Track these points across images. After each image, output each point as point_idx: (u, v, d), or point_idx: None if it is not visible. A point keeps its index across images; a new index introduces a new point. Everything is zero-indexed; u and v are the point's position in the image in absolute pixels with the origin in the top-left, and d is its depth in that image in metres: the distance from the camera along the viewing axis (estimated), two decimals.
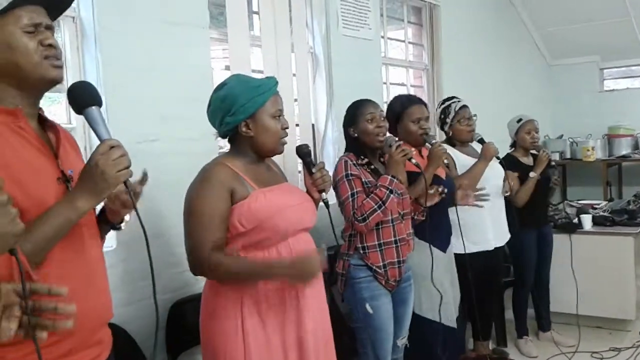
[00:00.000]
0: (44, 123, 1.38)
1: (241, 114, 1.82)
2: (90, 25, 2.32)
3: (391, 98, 3.33)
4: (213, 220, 1.77)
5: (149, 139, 2.34)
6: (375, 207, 2.36)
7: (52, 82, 1.34)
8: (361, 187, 2.41)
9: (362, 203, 2.37)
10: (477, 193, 3.07)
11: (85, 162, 1.29)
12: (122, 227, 1.49)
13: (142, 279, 2.33)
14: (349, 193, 2.39)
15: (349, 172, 2.41)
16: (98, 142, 1.27)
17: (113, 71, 2.33)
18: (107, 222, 1.49)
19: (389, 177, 2.40)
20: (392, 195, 2.38)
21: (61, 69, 1.33)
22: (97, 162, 1.24)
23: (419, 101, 2.89)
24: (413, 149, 2.51)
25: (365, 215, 2.35)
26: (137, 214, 1.33)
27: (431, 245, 2.67)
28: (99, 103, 1.34)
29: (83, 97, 1.33)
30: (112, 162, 1.24)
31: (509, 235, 3.53)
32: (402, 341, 2.58)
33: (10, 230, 1.01)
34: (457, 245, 3.06)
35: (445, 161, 2.47)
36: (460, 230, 3.00)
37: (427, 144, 2.79)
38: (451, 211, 3.01)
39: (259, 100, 1.83)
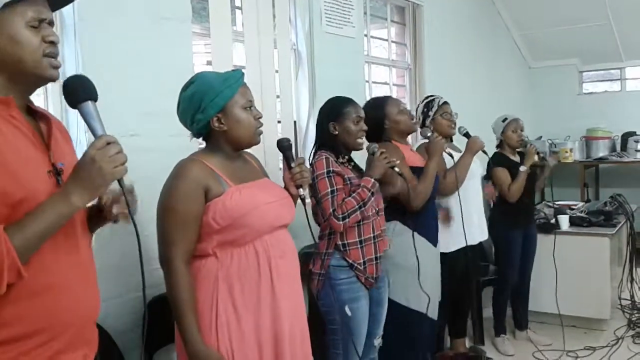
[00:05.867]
0: (34, 114, 1.35)
1: (211, 109, 1.80)
2: (70, 17, 2.29)
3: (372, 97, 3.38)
4: (186, 218, 1.75)
5: (127, 134, 2.32)
6: (357, 207, 2.35)
7: (47, 81, 1.33)
8: (342, 185, 2.39)
9: (343, 201, 2.35)
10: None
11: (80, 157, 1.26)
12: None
13: (119, 276, 2.31)
14: (329, 190, 2.35)
15: (331, 168, 2.37)
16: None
17: (92, 64, 2.29)
18: (100, 218, 1.46)
19: (372, 180, 2.40)
20: (372, 198, 2.40)
21: (58, 69, 1.32)
22: (93, 158, 1.21)
23: (389, 97, 3.05)
24: (395, 159, 2.50)
25: (346, 214, 2.34)
26: (130, 214, 1.31)
27: (421, 240, 2.69)
28: (94, 98, 1.32)
29: (79, 91, 1.31)
30: (109, 158, 1.22)
31: (486, 232, 3.58)
32: (378, 341, 2.58)
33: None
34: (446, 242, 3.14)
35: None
36: (463, 226, 3.10)
37: (423, 137, 2.97)
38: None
39: (227, 93, 1.81)
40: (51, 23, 1.31)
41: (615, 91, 7.23)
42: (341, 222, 2.34)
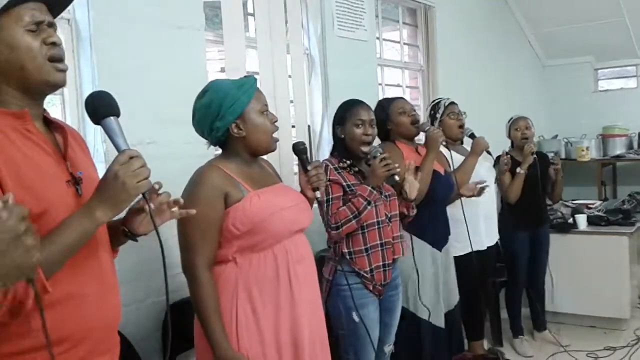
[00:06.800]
0: (49, 124, 1.35)
1: (230, 116, 1.82)
2: (85, 28, 2.33)
3: None
4: (208, 225, 1.77)
5: (144, 142, 2.35)
6: (351, 216, 2.31)
7: (56, 86, 1.31)
8: (338, 193, 2.36)
9: (336, 211, 2.32)
10: (479, 186, 3.08)
11: (105, 171, 1.27)
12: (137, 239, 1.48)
13: (137, 281, 2.34)
14: (324, 199, 2.32)
15: (328, 177, 2.33)
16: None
17: (108, 74, 2.33)
18: (125, 233, 1.45)
19: (369, 189, 2.34)
20: (368, 207, 2.33)
21: (65, 72, 1.30)
22: (116, 173, 1.22)
23: (399, 97, 2.98)
24: (397, 166, 2.38)
25: (340, 223, 2.31)
26: (155, 226, 1.32)
27: (429, 247, 2.67)
28: (117, 113, 1.32)
29: (102, 108, 1.31)
30: (132, 173, 1.23)
31: (497, 235, 3.55)
32: (389, 348, 2.55)
33: (25, 261, 0.96)
34: (455, 246, 3.10)
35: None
36: (467, 230, 3.03)
37: (422, 131, 2.86)
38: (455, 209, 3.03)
39: (244, 99, 1.83)
40: (51, 25, 1.28)
41: (631, 88, 7.15)
42: (334, 232, 2.32)
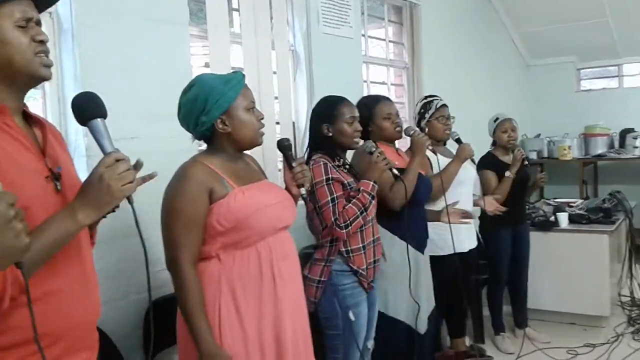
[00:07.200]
0: (28, 119, 1.34)
1: (216, 111, 1.81)
2: (67, 21, 2.29)
3: None
4: (192, 221, 1.76)
5: (127, 137, 2.33)
6: (358, 213, 2.31)
7: (41, 80, 1.32)
8: (341, 192, 2.34)
9: (344, 209, 2.31)
10: (462, 218, 3.11)
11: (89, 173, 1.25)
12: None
13: (119, 278, 2.31)
14: (329, 198, 2.30)
15: (330, 175, 2.32)
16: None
17: (91, 68, 2.30)
18: None
19: (371, 183, 2.35)
20: (373, 202, 2.36)
21: (50, 67, 1.31)
22: (102, 175, 1.21)
23: (384, 98, 2.92)
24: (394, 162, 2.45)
25: (349, 221, 2.29)
26: (138, 227, 1.30)
27: (409, 248, 2.64)
28: (104, 115, 1.31)
29: (89, 109, 1.30)
30: (118, 176, 1.22)
31: (478, 236, 3.59)
32: (371, 343, 2.55)
33: (15, 245, 1.00)
34: (437, 247, 3.12)
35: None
36: (451, 233, 3.04)
37: (405, 136, 2.86)
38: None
39: (231, 94, 1.82)
40: (38, 23, 1.30)
41: (613, 88, 7.24)
42: (344, 231, 2.29)
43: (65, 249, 1.26)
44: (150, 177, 1.37)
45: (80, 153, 2.27)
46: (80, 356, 1.34)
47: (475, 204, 3.52)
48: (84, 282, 1.34)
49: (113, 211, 1.35)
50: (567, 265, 4.07)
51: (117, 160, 1.23)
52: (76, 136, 2.29)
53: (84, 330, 1.34)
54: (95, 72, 2.31)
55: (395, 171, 2.46)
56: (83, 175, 1.32)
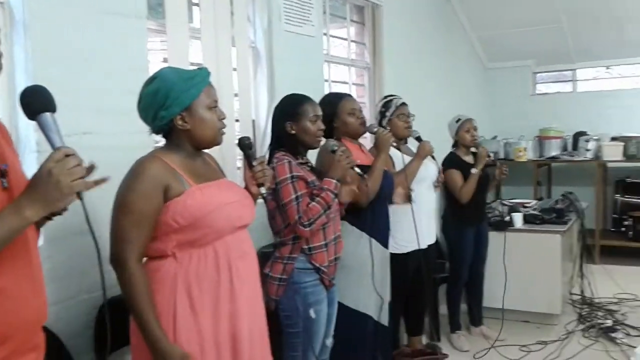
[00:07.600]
0: None
1: (176, 107, 1.77)
2: (19, 11, 2.21)
3: None
4: (143, 217, 1.72)
5: (80, 132, 2.26)
6: (322, 211, 2.31)
7: None
8: (305, 190, 2.34)
9: (307, 207, 2.30)
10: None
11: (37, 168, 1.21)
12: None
13: (69, 278, 2.25)
14: (293, 196, 2.30)
15: (294, 173, 2.32)
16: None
17: (43, 61, 2.23)
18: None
19: (334, 182, 2.36)
20: (335, 200, 2.38)
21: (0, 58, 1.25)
22: (50, 170, 1.16)
23: (348, 95, 2.97)
24: (357, 160, 2.48)
25: (312, 220, 2.29)
26: (90, 227, 1.26)
27: (372, 242, 2.69)
28: (53, 109, 1.27)
29: (37, 103, 1.26)
30: (68, 171, 1.17)
31: (437, 233, 3.64)
32: (330, 341, 2.56)
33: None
34: (398, 244, 3.16)
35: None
36: (415, 227, 3.09)
37: (369, 133, 2.91)
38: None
39: (193, 92, 1.78)
40: None
41: (567, 92, 7.45)
42: (307, 229, 2.30)
43: (11, 246, 1.22)
44: (103, 180, 1.32)
45: (31, 148, 2.19)
46: (27, 358, 1.30)
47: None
48: (31, 280, 1.29)
49: (60, 214, 1.31)
50: (521, 264, 4.17)
51: (67, 155, 1.19)
52: (27, 130, 2.21)
53: (31, 331, 1.30)
54: (48, 65, 2.23)
55: (357, 169, 2.47)
56: (33, 172, 1.27)
